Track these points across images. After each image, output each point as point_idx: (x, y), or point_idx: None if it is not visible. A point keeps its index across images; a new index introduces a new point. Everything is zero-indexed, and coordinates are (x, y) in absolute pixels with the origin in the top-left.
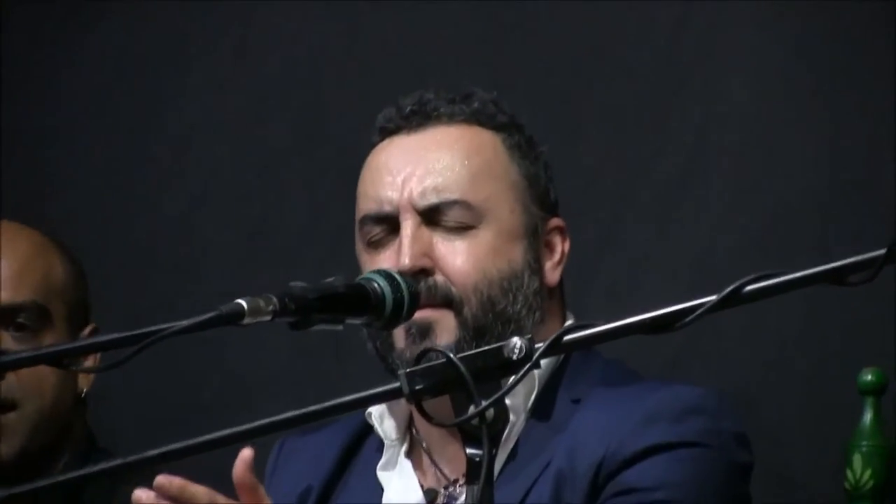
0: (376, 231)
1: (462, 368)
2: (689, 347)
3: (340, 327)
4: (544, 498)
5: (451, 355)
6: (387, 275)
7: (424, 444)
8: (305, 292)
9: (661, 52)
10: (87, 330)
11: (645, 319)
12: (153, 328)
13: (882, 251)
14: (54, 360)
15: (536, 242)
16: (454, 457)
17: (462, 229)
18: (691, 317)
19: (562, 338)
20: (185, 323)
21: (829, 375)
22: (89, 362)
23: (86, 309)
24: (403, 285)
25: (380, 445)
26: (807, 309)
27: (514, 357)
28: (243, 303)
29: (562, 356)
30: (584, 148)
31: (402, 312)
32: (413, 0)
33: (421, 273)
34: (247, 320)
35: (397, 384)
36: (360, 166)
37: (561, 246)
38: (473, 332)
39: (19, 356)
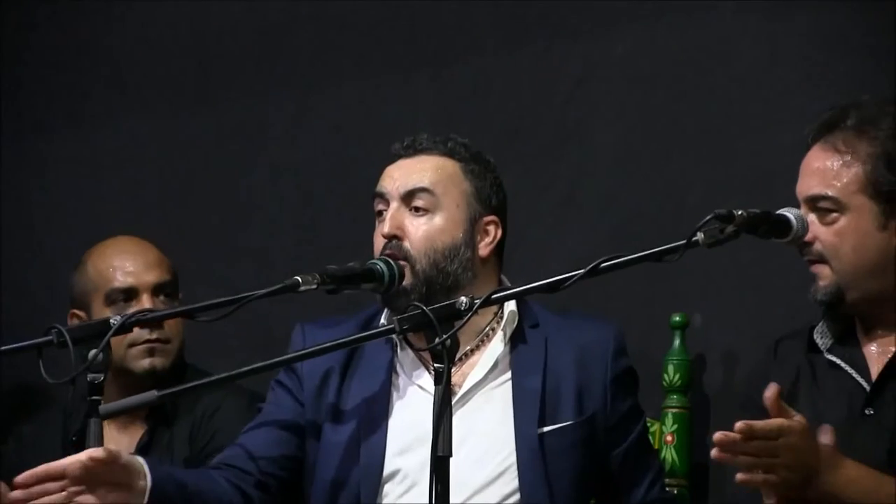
0: (379, 204)
1: (431, 316)
2: (577, 298)
3: (358, 290)
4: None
5: (425, 308)
6: (385, 261)
7: None
8: (336, 271)
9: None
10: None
11: (542, 284)
12: (242, 295)
13: (683, 241)
14: (189, 314)
15: (474, 228)
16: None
17: (423, 213)
18: (569, 282)
19: (491, 296)
20: (262, 291)
21: (647, 316)
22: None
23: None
24: (396, 268)
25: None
26: (644, 272)
27: (462, 308)
28: (298, 278)
29: (522, 303)
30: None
31: (395, 283)
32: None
33: (395, 238)
34: (301, 288)
35: (392, 325)
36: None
37: (494, 233)
38: (423, 280)
39: (169, 312)
